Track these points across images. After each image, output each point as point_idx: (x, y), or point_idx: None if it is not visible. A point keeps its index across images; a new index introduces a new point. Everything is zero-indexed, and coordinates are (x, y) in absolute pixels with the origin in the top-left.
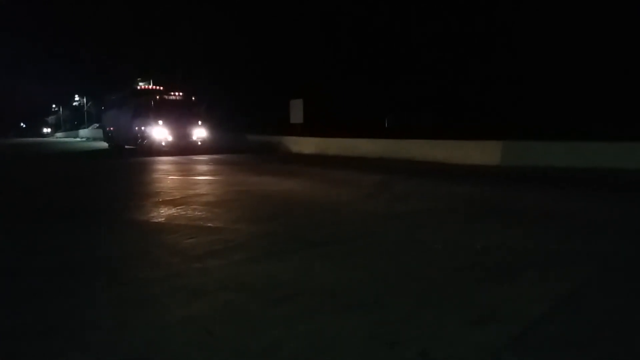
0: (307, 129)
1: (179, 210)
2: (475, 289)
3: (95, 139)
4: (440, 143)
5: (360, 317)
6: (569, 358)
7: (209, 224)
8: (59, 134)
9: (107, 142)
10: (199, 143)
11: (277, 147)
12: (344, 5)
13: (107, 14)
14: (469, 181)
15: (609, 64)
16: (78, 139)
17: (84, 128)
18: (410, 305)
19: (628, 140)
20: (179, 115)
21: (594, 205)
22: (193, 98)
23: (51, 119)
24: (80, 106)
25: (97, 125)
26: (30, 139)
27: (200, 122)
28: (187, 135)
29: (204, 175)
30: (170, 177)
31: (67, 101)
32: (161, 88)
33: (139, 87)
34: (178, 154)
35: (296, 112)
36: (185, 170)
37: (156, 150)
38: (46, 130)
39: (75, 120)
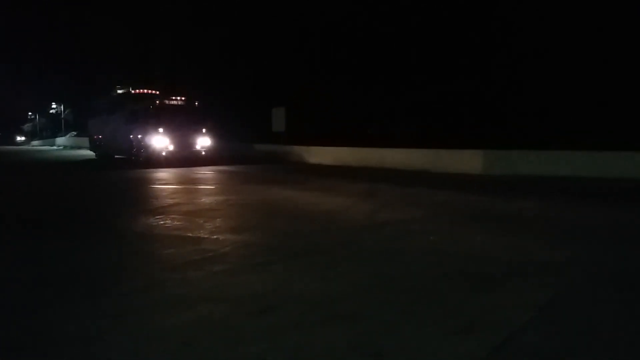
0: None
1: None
2: (458, 298)
3: (72, 147)
4: (424, 151)
5: (343, 328)
6: None
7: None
8: (35, 142)
9: (94, 151)
10: (203, 153)
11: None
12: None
13: (87, 20)
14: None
15: (589, 76)
16: (54, 148)
17: (61, 136)
18: (393, 316)
19: (608, 150)
20: (180, 122)
21: (574, 213)
22: (196, 103)
23: (27, 126)
24: (57, 114)
25: (75, 133)
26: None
27: (204, 130)
28: (190, 145)
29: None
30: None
31: (43, 108)
32: (157, 92)
33: (133, 91)
34: (180, 165)
35: (278, 120)
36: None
37: (156, 161)
38: (20, 138)
39: (52, 128)
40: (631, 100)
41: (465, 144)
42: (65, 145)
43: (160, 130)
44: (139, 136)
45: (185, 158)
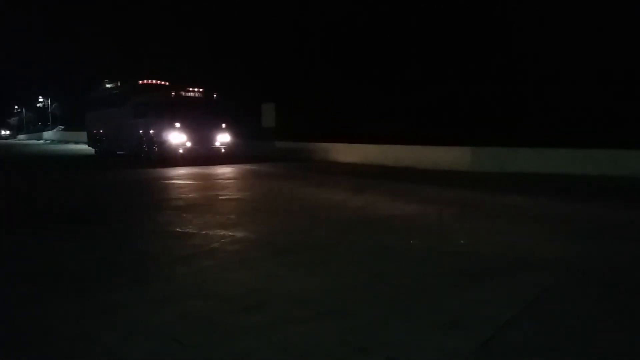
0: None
1: None
2: (445, 294)
3: (60, 142)
4: (412, 148)
5: (330, 324)
6: None
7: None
8: (21, 136)
9: (93, 147)
10: (223, 150)
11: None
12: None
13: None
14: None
15: (576, 74)
16: (42, 142)
17: (49, 130)
18: (380, 312)
19: (592, 148)
20: (198, 117)
21: (561, 209)
22: (214, 95)
23: (13, 120)
24: (45, 107)
25: (63, 127)
26: None
27: (223, 126)
28: (209, 141)
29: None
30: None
31: (30, 102)
32: (166, 83)
33: (141, 82)
34: (198, 163)
35: (268, 116)
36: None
37: (171, 159)
38: (5, 132)
39: (39, 122)
40: (616, 98)
41: (452, 142)
42: (52, 140)
43: (177, 125)
44: (151, 131)
45: (203, 156)
